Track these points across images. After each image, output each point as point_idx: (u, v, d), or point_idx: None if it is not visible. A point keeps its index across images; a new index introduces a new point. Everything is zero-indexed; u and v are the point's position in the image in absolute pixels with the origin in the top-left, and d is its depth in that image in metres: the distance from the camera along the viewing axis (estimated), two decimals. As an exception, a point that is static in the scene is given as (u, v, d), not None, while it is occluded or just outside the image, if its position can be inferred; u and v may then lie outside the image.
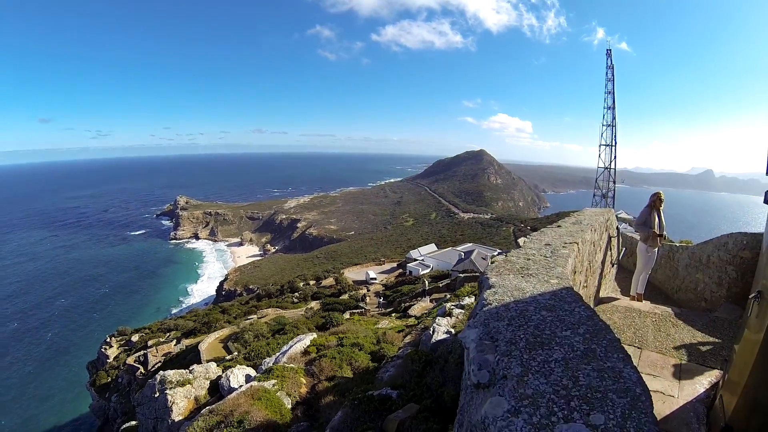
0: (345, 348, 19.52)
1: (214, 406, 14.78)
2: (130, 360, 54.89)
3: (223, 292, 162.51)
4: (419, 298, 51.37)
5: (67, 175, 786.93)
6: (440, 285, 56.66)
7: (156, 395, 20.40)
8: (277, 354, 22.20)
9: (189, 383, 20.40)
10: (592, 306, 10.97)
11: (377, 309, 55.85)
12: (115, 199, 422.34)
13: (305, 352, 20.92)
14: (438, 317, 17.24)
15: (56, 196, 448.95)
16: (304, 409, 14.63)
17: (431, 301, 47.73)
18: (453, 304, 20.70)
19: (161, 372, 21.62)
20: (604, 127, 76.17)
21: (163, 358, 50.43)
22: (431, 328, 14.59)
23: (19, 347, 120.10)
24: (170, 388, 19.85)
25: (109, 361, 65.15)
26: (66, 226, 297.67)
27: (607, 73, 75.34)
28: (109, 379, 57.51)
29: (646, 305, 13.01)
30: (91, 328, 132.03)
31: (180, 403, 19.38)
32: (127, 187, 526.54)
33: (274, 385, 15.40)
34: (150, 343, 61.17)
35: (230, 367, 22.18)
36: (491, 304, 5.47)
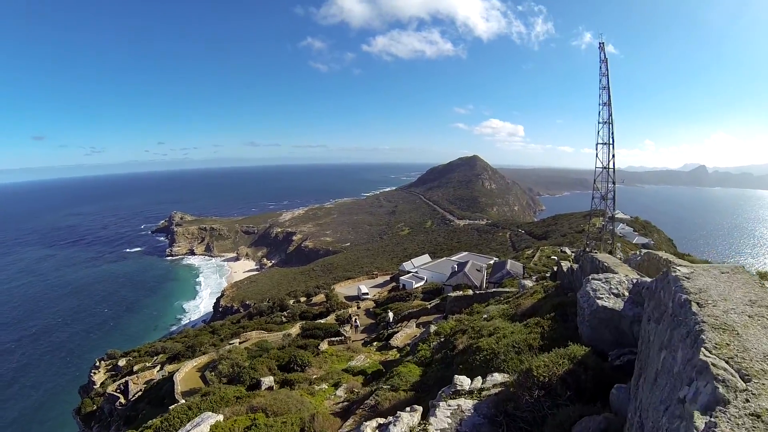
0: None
1: None
2: (111, 388, 54.38)
3: (220, 309, 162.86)
4: (405, 322, 50.58)
5: (62, 192, 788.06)
6: (429, 306, 55.94)
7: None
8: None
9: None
10: None
11: (362, 334, 55.19)
12: (111, 216, 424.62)
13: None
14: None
15: (53, 214, 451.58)
16: None
17: (417, 326, 47.13)
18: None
19: None
20: (601, 125, 74.34)
21: (145, 386, 50.11)
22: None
23: (23, 372, 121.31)
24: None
25: (95, 387, 64.51)
26: (65, 245, 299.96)
27: (600, 67, 73.61)
28: (95, 407, 56.80)
29: None
30: (86, 348, 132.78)
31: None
32: (122, 204, 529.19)
33: None
34: (135, 368, 60.74)
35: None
36: None
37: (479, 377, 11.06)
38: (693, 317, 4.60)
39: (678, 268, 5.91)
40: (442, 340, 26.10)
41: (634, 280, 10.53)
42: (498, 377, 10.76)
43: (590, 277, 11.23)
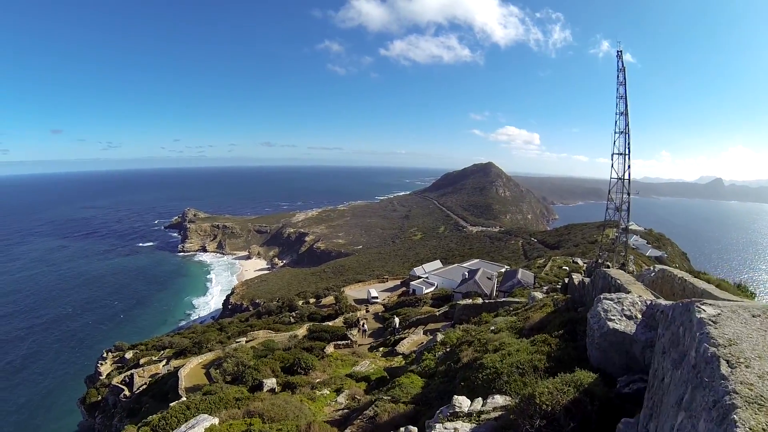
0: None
1: None
2: (116, 380, 54.44)
3: (230, 306, 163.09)
4: (413, 329, 49.95)
5: (79, 185, 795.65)
6: (437, 313, 55.12)
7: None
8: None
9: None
10: None
11: (369, 339, 54.56)
12: (126, 210, 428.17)
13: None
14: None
15: (69, 206, 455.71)
16: None
17: (425, 333, 46.48)
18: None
19: None
20: (617, 135, 72.76)
21: (150, 379, 49.97)
22: None
23: (33, 359, 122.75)
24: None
25: (101, 378, 64.75)
26: (79, 237, 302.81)
27: (618, 76, 72.17)
28: (99, 398, 56.87)
29: None
30: (96, 339, 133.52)
31: None
32: (137, 199, 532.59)
33: None
34: (142, 361, 61.12)
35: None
36: None
37: (479, 398, 10.54)
38: (722, 383, 3.67)
39: (702, 308, 4.93)
40: (448, 350, 25.63)
41: (648, 302, 9.90)
42: (499, 400, 10.22)
43: (602, 296, 10.60)
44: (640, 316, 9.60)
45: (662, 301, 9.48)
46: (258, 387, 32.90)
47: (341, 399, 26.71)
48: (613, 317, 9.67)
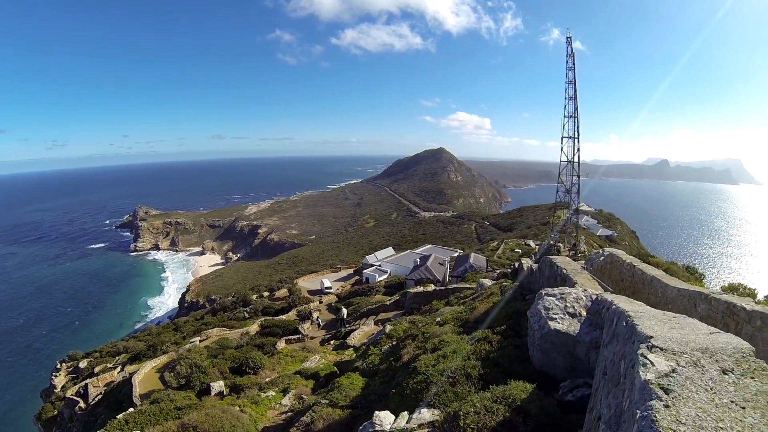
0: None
1: None
2: (71, 392, 52.36)
3: (186, 304, 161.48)
4: (364, 319, 49.24)
5: (25, 188, 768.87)
6: (388, 303, 54.42)
7: None
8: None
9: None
10: None
11: (322, 331, 53.64)
12: (76, 211, 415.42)
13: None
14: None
15: (15, 210, 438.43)
16: None
17: (376, 323, 45.79)
18: None
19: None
20: (566, 119, 74.05)
21: (105, 389, 48.15)
22: None
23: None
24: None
25: (56, 391, 62.48)
26: (27, 242, 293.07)
27: (567, 61, 73.26)
28: (55, 412, 54.78)
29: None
30: (52, 349, 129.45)
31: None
32: (86, 199, 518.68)
33: None
34: (96, 369, 59.12)
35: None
36: None
37: (404, 413, 9.55)
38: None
39: (650, 359, 3.30)
40: (394, 344, 25.11)
41: (594, 297, 8.95)
42: (426, 414, 9.17)
43: (543, 292, 9.59)
44: (584, 313, 8.64)
45: (608, 297, 8.45)
46: (206, 391, 32.15)
47: (286, 401, 26.13)
48: (554, 316, 8.69)
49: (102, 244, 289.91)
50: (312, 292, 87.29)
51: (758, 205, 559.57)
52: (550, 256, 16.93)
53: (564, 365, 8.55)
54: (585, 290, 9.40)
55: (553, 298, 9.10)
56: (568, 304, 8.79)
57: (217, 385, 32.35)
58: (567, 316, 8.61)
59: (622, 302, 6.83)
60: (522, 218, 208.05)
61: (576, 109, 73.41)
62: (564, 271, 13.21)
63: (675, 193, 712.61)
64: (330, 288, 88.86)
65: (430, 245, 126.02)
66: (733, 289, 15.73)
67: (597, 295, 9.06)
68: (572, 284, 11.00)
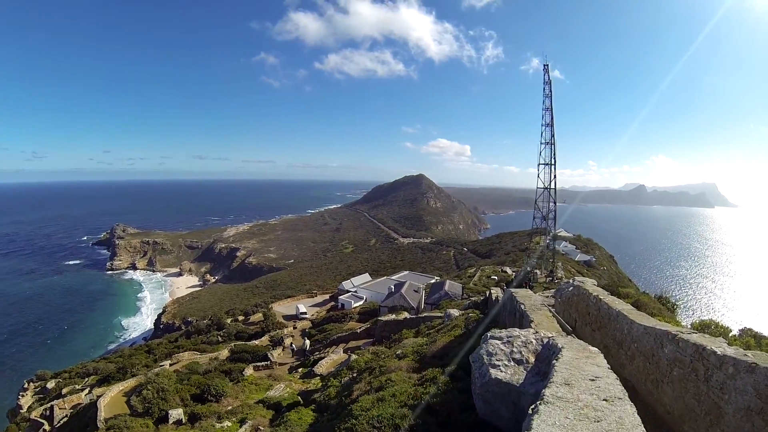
0: None
1: None
2: (36, 414, 51.06)
3: (161, 326, 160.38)
4: (333, 347, 48.37)
5: (1, 198, 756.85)
6: (359, 330, 53.73)
7: None
8: None
9: None
10: None
11: (293, 358, 52.56)
12: (52, 226, 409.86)
13: None
14: None
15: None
16: None
17: (345, 351, 44.95)
18: None
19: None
20: (543, 146, 74.64)
21: (71, 411, 47.00)
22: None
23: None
24: None
25: (22, 411, 61.08)
26: (1, 256, 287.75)
27: (544, 88, 74.03)
28: (20, 433, 53.06)
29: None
30: (24, 367, 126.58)
31: None
32: (64, 214, 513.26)
33: None
34: (64, 391, 57.86)
35: None
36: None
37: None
38: None
39: None
40: (353, 375, 24.13)
41: (545, 341, 8.02)
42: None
43: (489, 334, 8.73)
44: (532, 359, 7.72)
45: (560, 341, 7.48)
46: (164, 419, 31.59)
47: (242, 432, 24.89)
48: (498, 363, 7.76)
49: (78, 261, 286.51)
50: (287, 317, 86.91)
51: (733, 227, 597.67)
52: (512, 289, 16.20)
53: (508, 416, 7.63)
54: (536, 332, 8.52)
55: (498, 342, 8.20)
56: (515, 349, 7.89)
57: (176, 413, 31.73)
58: (512, 363, 7.71)
59: (573, 350, 5.91)
60: (501, 244, 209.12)
61: (552, 135, 74.02)
62: (522, 307, 12.34)
63: (652, 217, 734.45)
64: (305, 314, 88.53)
65: (407, 271, 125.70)
66: (704, 326, 15.10)
67: (549, 338, 8.15)
68: (528, 323, 10.13)
